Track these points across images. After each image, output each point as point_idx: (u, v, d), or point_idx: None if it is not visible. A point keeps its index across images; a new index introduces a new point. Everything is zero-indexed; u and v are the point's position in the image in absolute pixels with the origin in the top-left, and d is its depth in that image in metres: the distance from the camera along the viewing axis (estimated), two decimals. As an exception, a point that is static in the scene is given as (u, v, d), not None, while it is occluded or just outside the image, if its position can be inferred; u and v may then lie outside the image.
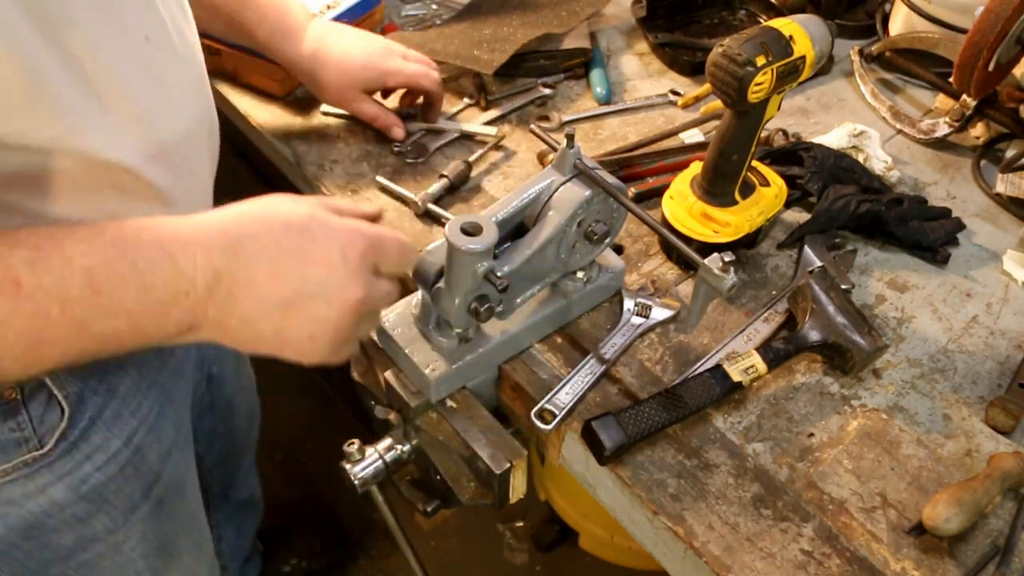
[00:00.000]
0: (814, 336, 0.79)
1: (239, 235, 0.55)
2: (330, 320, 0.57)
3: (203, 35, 0.79)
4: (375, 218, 0.66)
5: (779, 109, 0.82)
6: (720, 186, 0.85)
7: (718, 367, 0.76)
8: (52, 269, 0.49)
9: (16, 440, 0.68)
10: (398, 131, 1.00)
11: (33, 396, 0.68)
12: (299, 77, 0.98)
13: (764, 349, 0.77)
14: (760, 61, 0.74)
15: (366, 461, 0.77)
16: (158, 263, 0.52)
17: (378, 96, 1.04)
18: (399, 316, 0.78)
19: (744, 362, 0.76)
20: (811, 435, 0.76)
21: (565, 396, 0.76)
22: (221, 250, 0.54)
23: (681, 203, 0.87)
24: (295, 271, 0.56)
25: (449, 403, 0.76)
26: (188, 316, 0.54)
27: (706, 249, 0.71)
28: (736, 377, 0.75)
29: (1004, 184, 1.01)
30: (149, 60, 0.64)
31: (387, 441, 0.78)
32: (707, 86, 1.10)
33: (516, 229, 0.76)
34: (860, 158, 1.01)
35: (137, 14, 0.63)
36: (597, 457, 0.71)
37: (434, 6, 1.24)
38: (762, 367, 0.76)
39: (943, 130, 1.06)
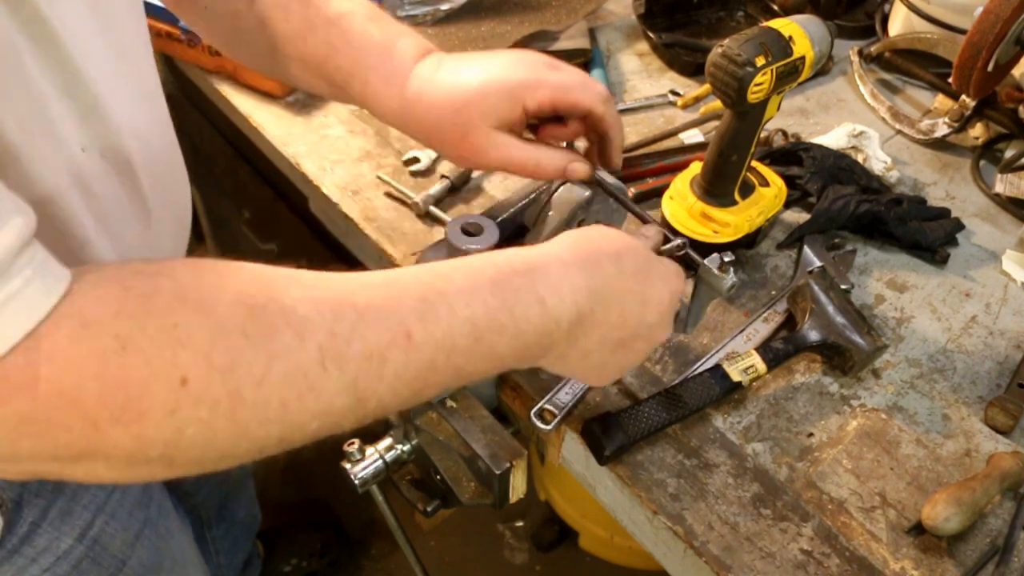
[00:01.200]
0: (813, 336, 0.79)
1: (601, 276, 0.56)
2: (642, 355, 0.62)
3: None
4: (663, 237, 0.68)
5: (779, 109, 0.82)
6: (720, 186, 0.85)
7: (717, 367, 0.76)
8: (440, 320, 0.48)
9: None
10: (580, 168, 0.69)
11: None
12: (414, 136, 0.71)
13: (764, 349, 0.77)
14: (760, 61, 0.74)
15: (366, 461, 0.77)
16: (532, 308, 0.52)
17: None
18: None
19: (744, 362, 0.76)
20: (811, 435, 0.76)
21: (565, 396, 0.76)
22: (587, 292, 0.55)
23: (681, 203, 0.87)
24: (638, 315, 0.58)
25: (449, 403, 0.76)
26: (544, 352, 0.56)
27: (706, 249, 0.71)
28: (736, 377, 0.75)
29: (1003, 184, 1.01)
30: (80, 170, 0.58)
31: (387, 441, 0.78)
32: (707, 86, 1.10)
33: (516, 229, 0.76)
34: (859, 158, 1.01)
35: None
36: (597, 457, 0.71)
37: (434, 5, 1.24)
38: (762, 367, 0.76)
39: (942, 130, 1.06)
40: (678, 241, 0.68)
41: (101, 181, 0.60)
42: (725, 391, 0.75)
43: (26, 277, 0.38)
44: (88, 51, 0.56)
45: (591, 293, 0.55)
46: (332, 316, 0.45)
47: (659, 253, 0.66)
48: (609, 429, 0.71)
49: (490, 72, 0.66)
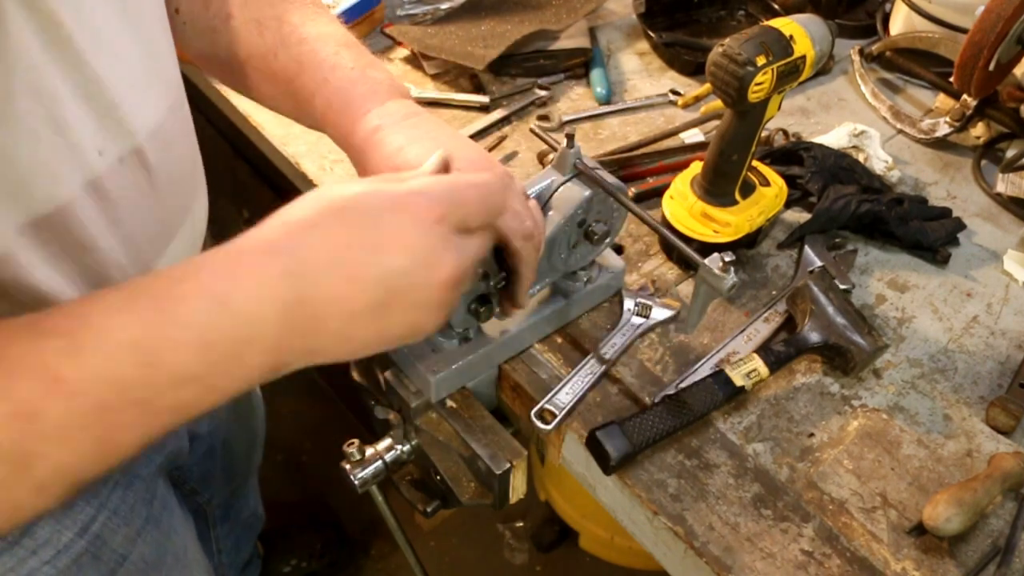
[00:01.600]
0: (814, 338, 0.79)
1: (294, 249, 0.47)
2: (430, 303, 0.51)
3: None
4: (444, 168, 0.57)
5: (779, 109, 0.82)
6: (720, 186, 0.85)
7: (720, 372, 0.75)
8: (94, 353, 0.42)
9: None
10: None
11: None
12: (357, 169, 0.70)
13: (765, 352, 0.77)
14: (760, 61, 0.74)
15: (366, 461, 0.77)
16: (210, 314, 0.44)
17: None
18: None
19: (746, 366, 0.76)
20: (811, 435, 0.76)
21: (565, 396, 0.76)
22: (280, 276, 0.46)
23: (681, 203, 0.87)
24: (373, 267, 0.48)
25: (449, 403, 0.76)
26: (269, 358, 0.47)
27: (706, 249, 0.71)
28: (739, 382, 0.75)
29: (1004, 184, 1.01)
30: (98, 172, 0.57)
31: (387, 441, 0.78)
32: (707, 86, 1.10)
33: (516, 229, 0.76)
34: (860, 158, 1.01)
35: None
36: (602, 467, 0.71)
37: (434, 5, 1.24)
38: (764, 371, 0.76)
39: (943, 130, 1.06)
40: None
41: (117, 186, 0.58)
42: (728, 396, 0.74)
43: None
44: (110, 54, 0.55)
45: (288, 276, 0.46)
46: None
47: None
48: (614, 439, 0.70)
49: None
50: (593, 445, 0.71)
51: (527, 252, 0.62)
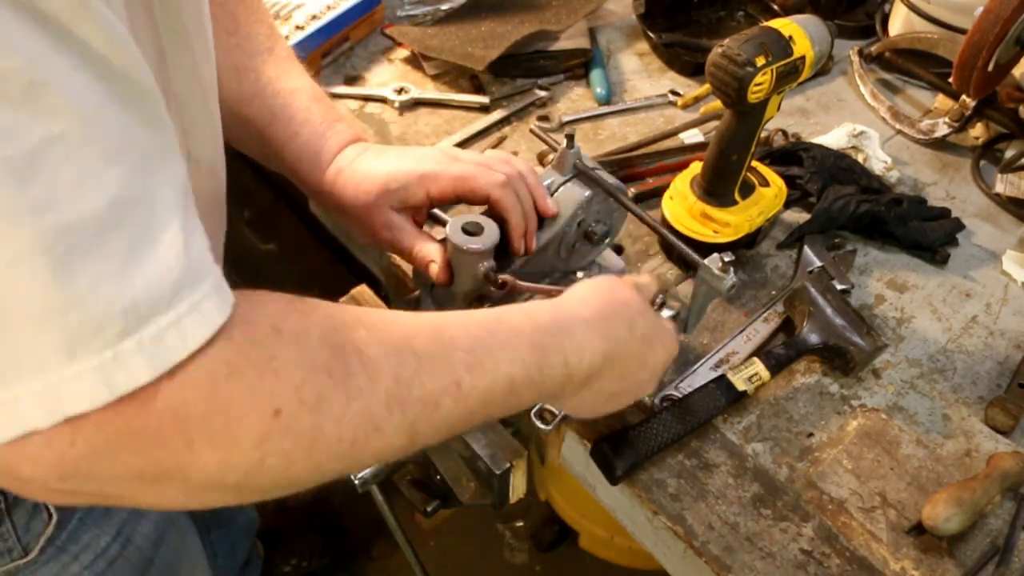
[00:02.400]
0: (814, 339, 0.79)
1: (615, 340, 0.61)
2: (625, 405, 0.68)
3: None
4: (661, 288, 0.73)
5: (779, 109, 0.82)
6: (720, 186, 0.85)
7: (722, 377, 0.75)
8: (486, 375, 0.52)
9: None
10: (432, 270, 0.71)
11: (18, 504, 0.65)
12: (329, 210, 0.78)
13: (766, 356, 0.77)
14: (760, 61, 0.74)
15: (366, 461, 0.77)
16: (557, 368, 0.57)
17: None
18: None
19: (747, 371, 0.76)
20: (811, 435, 0.76)
21: (565, 396, 0.76)
22: (602, 356, 0.60)
23: (681, 203, 0.87)
24: (636, 375, 0.64)
25: (449, 403, 0.76)
26: (552, 400, 0.63)
27: (706, 249, 0.71)
28: (741, 386, 0.75)
29: (1003, 184, 1.01)
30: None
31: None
32: (707, 86, 1.10)
33: (516, 229, 0.76)
34: (860, 158, 1.01)
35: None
36: (609, 477, 0.71)
37: (434, 5, 1.24)
38: (765, 374, 0.76)
39: (942, 130, 1.06)
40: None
41: (198, 187, 0.63)
42: (731, 401, 0.75)
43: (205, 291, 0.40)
44: (200, 65, 0.60)
45: (605, 356, 0.60)
46: (397, 361, 0.48)
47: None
48: (620, 448, 0.70)
49: (401, 163, 0.73)
50: (599, 455, 0.71)
51: (506, 198, 0.71)
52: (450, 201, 0.74)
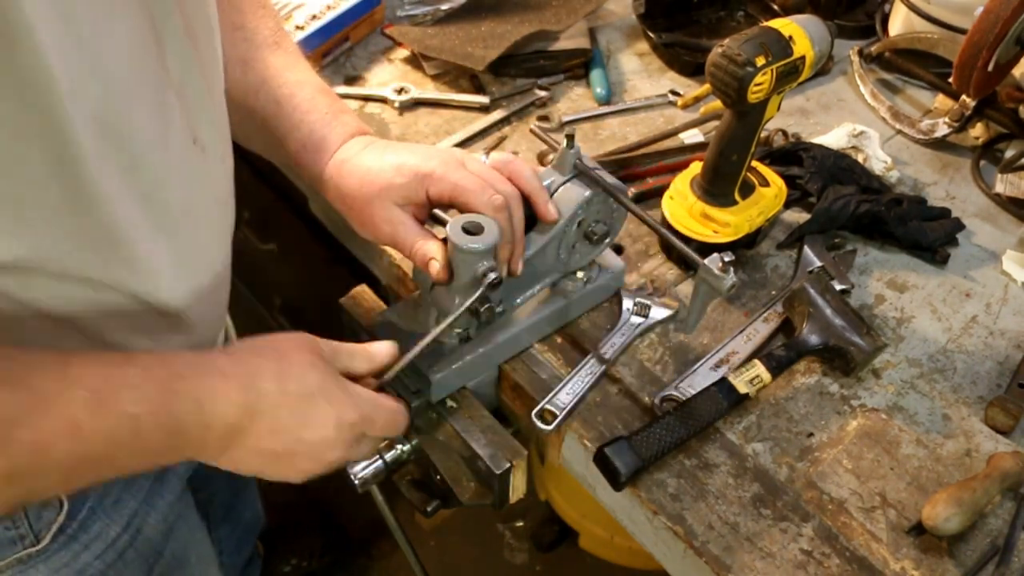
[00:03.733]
0: (814, 340, 0.79)
1: (258, 392, 0.58)
2: (307, 471, 0.64)
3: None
4: (383, 368, 0.69)
5: (779, 109, 0.82)
6: (720, 186, 0.85)
7: (724, 380, 0.75)
8: (109, 416, 0.50)
9: (11, 538, 0.66)
10: (433, 267, 0.70)
11: None
12: (330, 201, 0.78)
13: (767, 357, 0.77)
14: (760, 61, 0.74)
15: (366, 461, 0.77)
16: (191, 414, 0.55)
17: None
18: (400, 315, 0.78)
19: (749, 373, 0.76)
20: (811, 435, 0.76)
21: (565, 396, 0.76)
22: (241, 408, 0.57)
23: (681, 203, 0.87)
24: (292, 432, 0.61)
25: (449, 403, 0.76)
26: (195, 454, 0.58)
27: (706, 249, 0.71)
28: (743, 389, 0.75)
29: (1003, 184, 1.01)
30: (200, 199, 0.65)
31: (387, 441, 0.78)
32: (707, 86, 1.10)
33: (516, 229, 0.76)
34: (860, 158, 1.01)
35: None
36: (612, 484, 0.71)
37: (434, 5, 1.24)
38: (767, 376, 0.76)
39: (942, 130, 1.06)
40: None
41: (205, 173, 0.65)
42: (732, 404, 0.75)
43: None
44: (205, 54, 0.62)
45: (245, 408, 0.58)
46: (11, 401, 0.46)
47: (380, 385, 0.69)
48: (623, 455, 0.70)
49: (406, 159, 0.73)
50: (602, 462, 0.71)
51: (500, 223, 0.70)
52: (446, 206, 0.74)
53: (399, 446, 0.78)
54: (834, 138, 1.03)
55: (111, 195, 0.53)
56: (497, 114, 1.07)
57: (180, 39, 0.57)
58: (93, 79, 0.49)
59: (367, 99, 1.09)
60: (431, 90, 1.10)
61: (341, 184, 0.74)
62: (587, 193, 0.73)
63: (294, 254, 1.45)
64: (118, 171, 0.53)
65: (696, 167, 0.88)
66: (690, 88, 1.13)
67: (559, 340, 0.82)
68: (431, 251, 0.70)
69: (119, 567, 0.76)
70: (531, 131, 0.84)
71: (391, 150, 0.75)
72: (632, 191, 0.95)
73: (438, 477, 0.77)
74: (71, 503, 0.69)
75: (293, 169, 0.79)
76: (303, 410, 0.61)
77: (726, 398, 0.74)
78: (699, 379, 0.78)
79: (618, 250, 0.91)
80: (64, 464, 0.49)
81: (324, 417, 0.62)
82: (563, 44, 1.14)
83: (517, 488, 0.75)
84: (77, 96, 0.47)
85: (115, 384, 0.52)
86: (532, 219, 0.76)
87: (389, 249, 0.90)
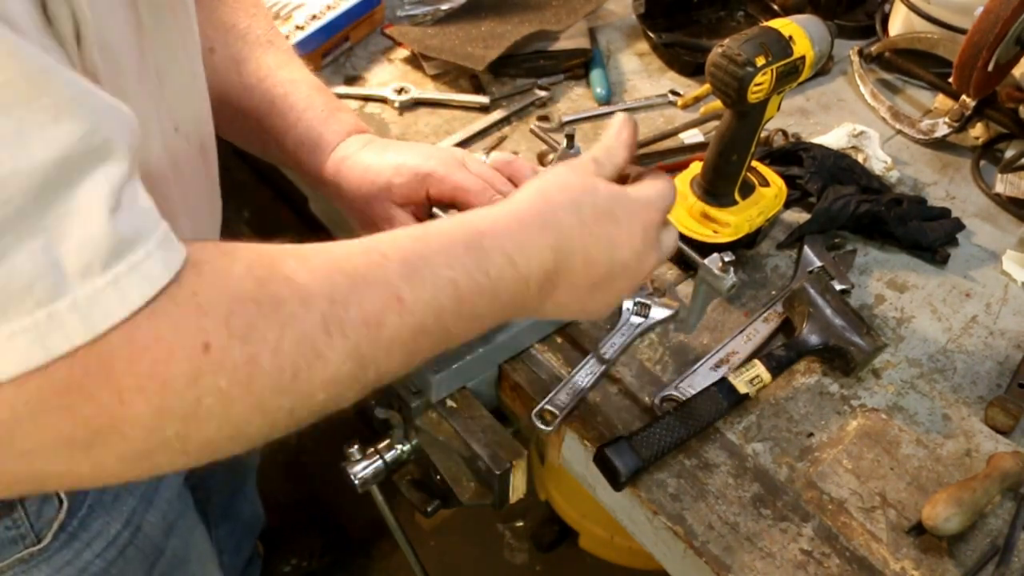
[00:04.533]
0: (814, 340, 0.79)
1: (560, 231, 0.57)
2: (628, 290, 0.63)
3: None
4: (636, 170, 0.67)
5: (779, 109, 0.82)
6: (720, 186, 0.85)
7: (724, 380, 0.75)
8: (426, 283, 0.49)
9: (12, 538, 0.66)
10: None
11: None
12: (329, 199, 0.79)
13: (767, 358, 0.77)
14: (760, 61, 0.74)
15: (366, 461, 0.77)
16: (505, 269, 0.53)
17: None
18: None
19: (749, 373, 0.76)
20: (811, 435, 0.76)
21: (565, 396, 0.76)
22: (551, 250, 0.56)
23: (681, 203, 0.87)
24: (606, 257, 0.59)
25: (449, 403, 0.76)
26: (519, 311, 0.57)
27: (706, 249, 0.71)
28: (743, 389, 0.75)
29: (1003, 184, 1.01)
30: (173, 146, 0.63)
31: (387, 441, 0.78)
32: (707, 86, 1.10)
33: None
34: (860, 158, 1.01)
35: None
36: (612, 484, 0.71)
37: (434, 5, 1.24)
38: (767, 376, 0.76)
39: (942, 130, 1.06)
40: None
41: (188, 162, 0.63)
42: (733, 404, 0.74)
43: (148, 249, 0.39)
44: (185, 38, 0.60)
45: (554, 251, 0.56)
46: (328, 283, 0.46)
47: (625, 177, 0.65)
48: (623, 455, 0.70)
49: (406, 159, 0.74)
50: (602, 462, 0.71)
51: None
52: (446, 205, 0.74)
53: (399, 446, 0.78)
54: (834, 138, 1.03)
55: None
56: (497, 114, 1.07)
57: (161, 25, 0.56)
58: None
59: (367, 99, 1.09)
60: (431, 90, 1.10)
61: (340, 182, 0.75)
62: (587, 193, 0.73)
63: (294, 254, 1.45)
64: None
65: (696, 167, 0.88)
66: (690, 88, 1.13)
67: (559, 340, 0.82)
68: None
69: (120, 565, 0.75)
70: (531, 131, 0.85)
71: (391, 149, 0.75)
72: (632, 191, 0.95)
73: (438, 477, 0.77)
74: (70, 500, 0.68)
75: (291, 167, 0.79)
76: (608, 231, 0.59)
77: (726, 398, 0.74)
78: (699, 379, 0.78)
79: (618, 250, 0.91)
80: (400, 338, 0.48)
81: (630, 228, 0.60)
82: (563, 44, 1.14)
83: (517, 488, 0.75)
84: None
85: (422, 253, 0.51)
86: None
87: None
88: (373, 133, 0.78)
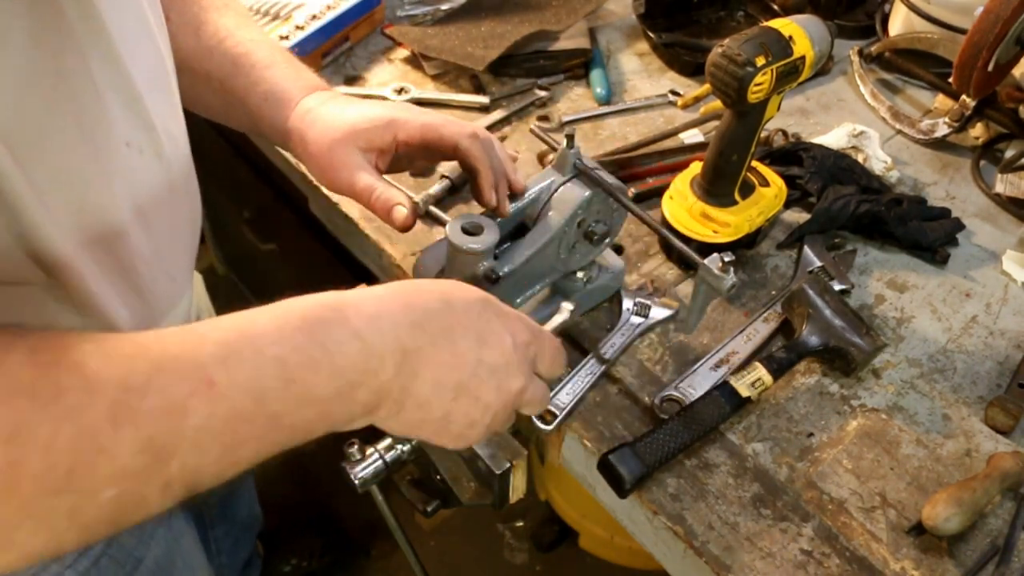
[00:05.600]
0: (814, 341, 0.79)
1: (424, 310, 0.53)
2: (492, 407, 0.56)
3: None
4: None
5: (779, 109, 0.82)
6: (720, 186, 0.85)
7: (726, 384, 0.75)
8: (244, 363, 0.45)
9: None
10: (399, 213, 0.70)
11: None
12: (292, 152, 0.77)
13: (767, 360, 0.77)
14: (760, 61, 0.74)
15: (366, 461, 0.77)
16: (347, 343, 0.48)
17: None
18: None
19: (750, 376, 0.76)
20: (811, 435, 0.76)
21: (565, 396, 0.76)
22: (409, 326, 0.51)
23: (681, 203, 0.87)
24: (473, 353, 0.54)
25: (449, 403, 0.76)
26: (374, 397, 0.51)
27: (706, 249, 0.71)
28: (745, 392, 0.75)
29: (1003, 184, 1.01)
30: (124, 164, 0.59)
31: (387, 441, 0.78)
32: (707, 86, 1.10)
33: (516, 229, 0.76)
34: (860, 158, 1.01)
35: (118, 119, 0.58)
36: (617, 490, 0.71)
37: (434, 5, 1.24)
38: (768, 379, 0.76)
39: (942, 130, 1.06)
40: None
41: (143, 175, 0.61)
42: (735, 407, 0.74)
43: None
44: (135, 51, 0.57)
45: (414, 327, 0.52)
46: (125, 369, 0.41)
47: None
48: (627, 461, 0.70)
49: (370, 109, 0.73)
50: (606, 469, 0.71)
51: (475, 148, 0.72)
52: (417, 148, 0.73)
53: (399, 446, 0.78)
54: (834, 138, 1.03)
55: (37, 208, 0.50)
56: (497, 114, 1.07)
57: (100, 49, 0.53)
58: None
59: (367, 99, 1.09)
60: (431, 90, 1.10)
61: (304, 132, 0.73)
62: (587, 193, 0.73)
63: (294, 254, 1.45)
64: (39, 183, 0.50)
65: (696, 167, 0.88)
66: (690, 88, 1.13)
67: (559, 340, 0.82)
68: (395, 196, 0.68)
69: (93, 575, 0.73)
70: (531, 131, 0.84)
71: (358, 102, 0.75)
72: (632, 191, 0.95)
73: (438, 477, 0.77)
74: None
75: (256, 126, 0.77)
76: (477, 327, 0.55)
77: (728, 402, 0.74)
78: (699, 379, 0.78)
79: (618, 250, 0.91)
80: (210, 427, 0.43)
81: (499, 332, 0.56)
82: (563, 44, 1.14)
83: (517, 488, 0.75)
84: None
85: (246, 331, 0.46)
86: (522, 228, 0.76)
87: (388, 249, 0.90)
88: (337, 92, 0.78)
